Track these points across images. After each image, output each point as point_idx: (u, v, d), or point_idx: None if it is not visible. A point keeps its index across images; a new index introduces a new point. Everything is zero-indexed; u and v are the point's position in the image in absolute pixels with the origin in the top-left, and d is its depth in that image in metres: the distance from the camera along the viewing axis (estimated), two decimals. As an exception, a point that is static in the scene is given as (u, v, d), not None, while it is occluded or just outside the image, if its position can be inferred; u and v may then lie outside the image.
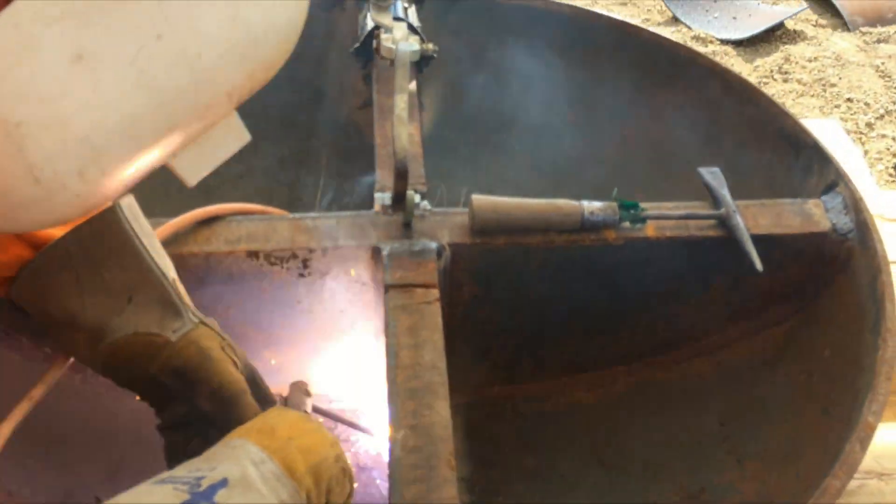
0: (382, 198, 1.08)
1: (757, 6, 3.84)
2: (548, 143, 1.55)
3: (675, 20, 3.80)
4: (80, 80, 0.56)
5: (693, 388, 1.24)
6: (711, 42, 3.63)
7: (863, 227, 1.08)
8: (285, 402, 1.02)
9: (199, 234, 1.10)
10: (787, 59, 3.49)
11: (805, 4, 3.86)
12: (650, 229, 1.12)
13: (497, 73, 1.55)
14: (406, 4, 1.43)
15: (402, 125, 1.00)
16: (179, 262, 1.06)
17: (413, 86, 1.32)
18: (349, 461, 0.84)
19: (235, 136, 0.72)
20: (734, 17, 3.79)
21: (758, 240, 1.10)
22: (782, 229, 1.12)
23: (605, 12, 1.49)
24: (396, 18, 1.30)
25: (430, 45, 1.23)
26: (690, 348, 1.26)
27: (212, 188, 1.30)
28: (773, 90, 3.35)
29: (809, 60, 3.50)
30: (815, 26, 3.75)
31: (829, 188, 1.16)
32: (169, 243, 1.08)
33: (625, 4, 3.93)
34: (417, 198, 1.08)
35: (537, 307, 1.20)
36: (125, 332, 0.88)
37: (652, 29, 3.65)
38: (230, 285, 1.12)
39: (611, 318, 1.22)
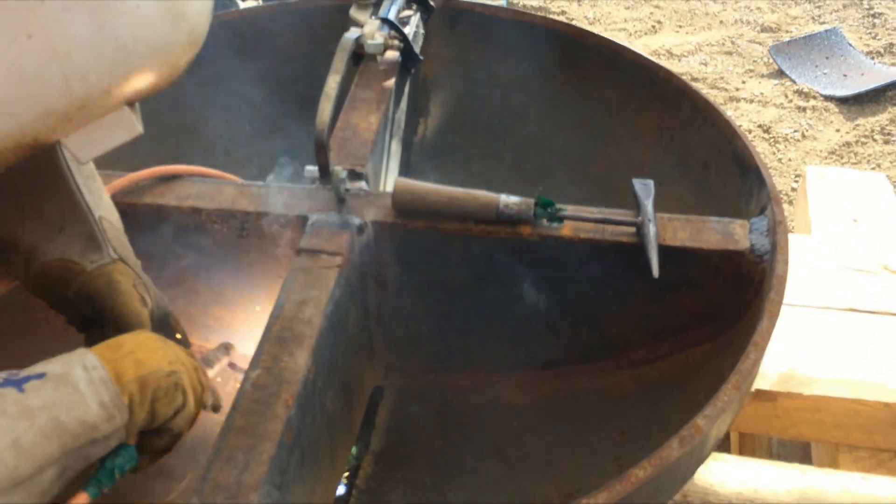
0: (312, 170, 1.17)
1: (872, 65, 3.67)
2: (537, 155, 1.59)
3: (780, 73, 3.69)
4: None
5: (612, 399, 1.23)
6: (814, 97, 3.50)
7: (773, 247, 1.06)
8: (207, 355, 1.13)
9: (156, 188, 1.23)
10: (892, 121, 3.31)
11: (926, 66, 3.65)
12: (567, 230, 1.14)
13: (494, 86, 1.61)
14: (411, 13, 1.53)
15: (326, 102, 1.09)
16: (134, 211, 1.20)
17: (391, 83, 1.40)
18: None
19: (126, 127, 0.83)
20: (844, 75, 3.64)
21: (673, 251, 1.10)
22: (698, 243, 1.11)
23: (597, 32, 1.53)
24: (383, 19, 1.39)
25: (397, 42, 1.31)
26: (617, 361, 1.25)
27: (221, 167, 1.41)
28: (869, 150, 3.19)
29: (918, 124, 3.31)
30: (934, 90, 3.54)
31: (762, 210, 1.14)
32: (129, 192, 1.22)
33: (730, 54, 3.86)
34: (344, 173, 1.15)
35: (461, 299, 1.24)
36: (51, 257, 1.02)
37: (755, 81, 3.58)
38: (180, 239, 1.23)
39: (533, 318, 1.24)
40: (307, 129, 1.63)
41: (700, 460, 0.95)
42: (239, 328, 1.32)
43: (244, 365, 1.02)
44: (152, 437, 0.87)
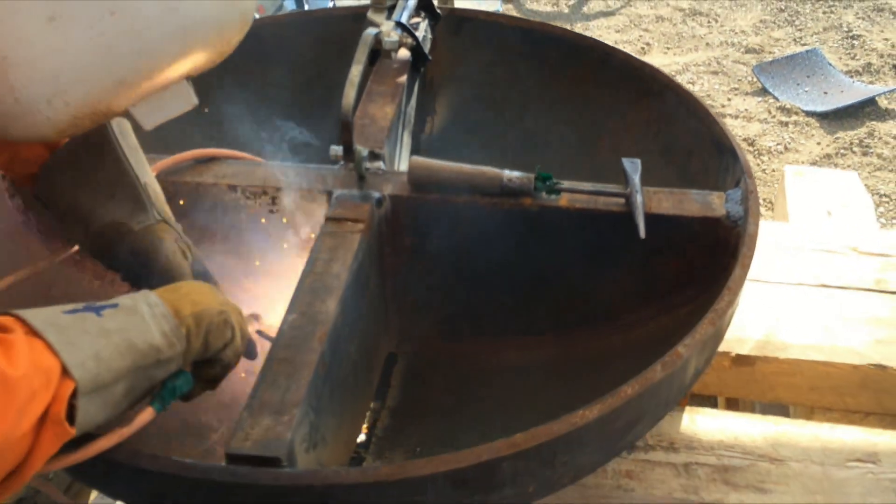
0: (337, 149, 1.31)
1: (851, 83, 3.86)
2: (534, 149, 1.73)
3: (763, 91, 3.87)
4: (52, 35, 0.84)
5: (605, 357, 1.36)
6: (796, 113, 3.68)
7: (746, 213, 1.20)
8: None
9: (196, 169, 1.37)
10: (870, 134, 3.49)
11: (902, 84, 3.84)
12: (563, 201, 1.28)
13: (495, 86, 1.75)
14: (419, 20, 1.69)
15: (350, 87, 1.24)
16: (176, 188, 1.34)
17: (403, 79, 1.55)
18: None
19: (184, 99, 0.99)
20: (825, 92, 3.82)
21: (658, 218, 1.25)
22: (680, 211, 1.25)
23: (592, 36, 1.68)
24: (396, 22, 1.54)
25: (410, 41, 1.46)
26: (609, 325, 1.39)
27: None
28: (848, 161, 3.36)
29: (895, 137, 3.48)
30: (910, 106, 3.72)
31: (737, 184, 1.29)
32: (171, 172, 1.35)
33: (716, 73, 4.04)
34: (365, 153, 1.30)
35: (470, 267, 1.38)
36: (105, 221, 1.16)
37: (739, 99, 3.75)
38: (215, 214, 1.37)
39: (533, 285, 1.38)
40: (322, 126, 1.78)
41: (681, 388, 1.08)
42: (266, 300, 1.45)
43: (272, 334, 1.14)
44: (205, 367, 1.00)
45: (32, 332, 0.81)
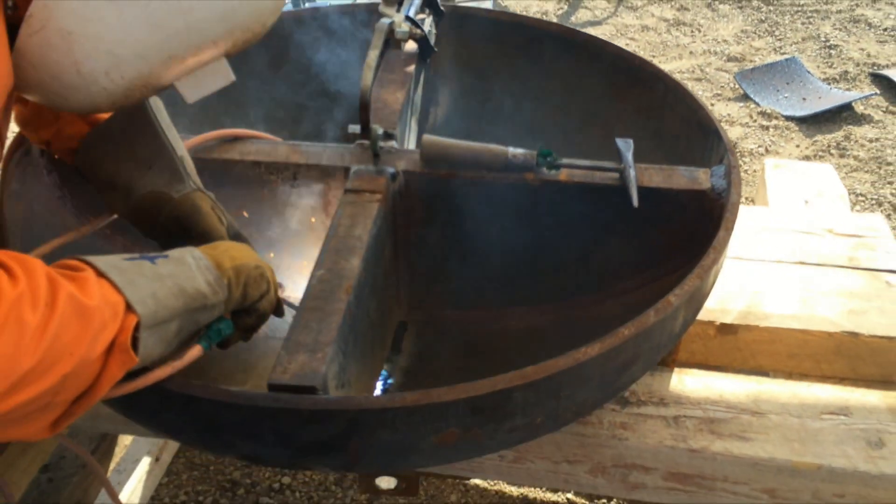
0: (354, 128, 1.42)
1: (829, 90, 4.02)
2: (532, 138, 1.84)
3: (745, 97, 4.02)
4: (111, 12, 0.94)
5: (603, 321, 1.47)
6: (776, 118, 3.83)
7: (729, 185, 1.32)
8: None
9: (222, 147, 1.48)
10: (847, 137, 3.64)
11: (877, 90, 3.99)
12: (563, 175, 1.40)
13: (494, 78, 1.88)
14: (424, 16, 1.81)
15: (368, 70, 1.35)
16: (204, 165, 1.45)
17: (411, 69, 1.67)
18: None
19: (223, 75, 1.09)
20: (804, 98, 3.98)
21: (649, 191, 1.37)
22: (669, 185, 1.38)
23: (583, 31, 1.81)
24: (406, 17, 1.66)
25: (419, 32, 1.58)
26: (605, 293, 1.50)
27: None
28: (827, 163, 3.50)
29: (870, 140, 3.64)
30: (884, 112, 3.88)
31: (721, 161, 1.41)
32: (199, 150, 1.46)
33: (700, 80, 4.19)
34: (380, 131, 1.41)
35: (476, 238, 1.49)
36: (145, 191, 1.26)
37: (722, 104, 3.90)
38: (240, 190, 1.48)
39: (535, 257, 1.49)
40: (331, 115, 1.89)
41: (672, 336, 1.19)
42: (287, 271, 1.56)
43: (294, 301, 1.23)
44: (243, 316, 1.10)
45: (99, 273, 0.92)
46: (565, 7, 4.96)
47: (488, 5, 4.17)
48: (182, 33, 0.99)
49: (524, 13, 4.65)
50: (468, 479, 1.46)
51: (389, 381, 1.44)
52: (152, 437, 1.65)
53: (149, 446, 2.12)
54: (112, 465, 2.01)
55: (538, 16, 4.94)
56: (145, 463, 2.09)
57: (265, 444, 1.02)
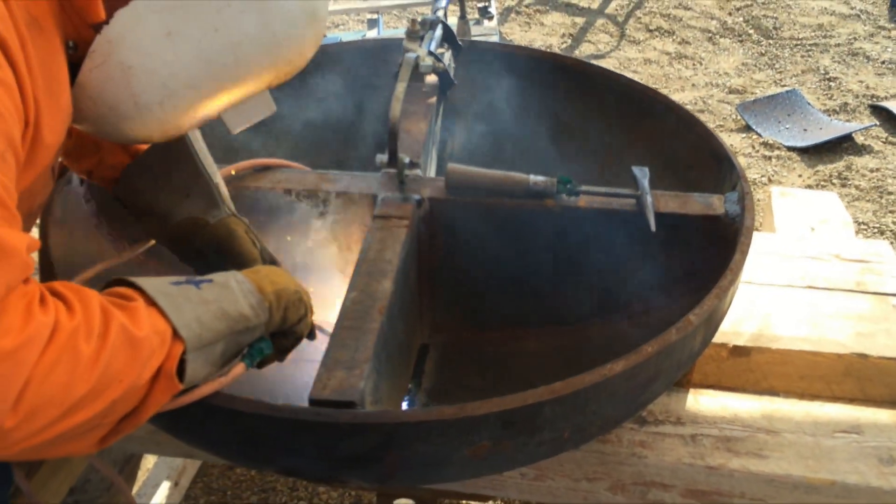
0: (382, 156, 1.48)
1: (829, 121, 4.10)
2: (546, 167, 1.90)
3: (747, 128, 4.10)
4: (167, 48, 1.00)
5: (617, 342, 1.52)
6: (778, 148, 3.91)
7: (743, 210, 1.38)
8: None
9: (254, 175, 1.54)
10: (848, 167, 3.71)
11: (876, 122, 4.08)
12: (582, 202, 1.46)
13: (510, 111, 1.94)
14: (444, 50, 1.88)
15: (396, 102, 1.42)
16: (238, 191, 1.51)
17: (433, 100, 1.74)
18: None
19: (266, 106, 1.15)
20: (805, 129, 4.06)
21: (665, 216, 1.43)
22: (685, 210, 1.44)
23: (595, 63, 1.88)
24: (428, 51, 1.73)
25: (441, 66, 1.65)
26: (620, 314, 1.56)
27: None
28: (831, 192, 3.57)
29: (871, 171, 3.71)
30: (884, 143, 3.95)
31: (734, 188, 1.47)
32: (233, 179, 1.52)
33: (702, 112, 4.27)
34: (407, 160, 1.47)
35: (496, 263, 1.55)
36: (182, 217, 1.32)
37: (724, 135, 3.98)
38: (271, 217, 1.54)
39: (554, 280, 1.55)
40: (354, 147, 1.96)
41: (692, 354, 1.24)
42: (316, 297, 1.60)
43: (324, 326, 1.28)
44: (281, 338, 1.15)
45: (148, 299, 0.95)
46: (569, 41, 5.07)
47: (495, 39, 4.28)
48: (231, 67, 1.04)
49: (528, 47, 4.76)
50: (488, 499, 1.50)
51: (414, 400, 1.48)
52: (178, 455, 1.68)
53: (168, 471, 2.15)
54: (134, 490, 2.05)
55: (543, 49, 5.05)
56: (165, 487, 2.12)
57: (304, 457, 1.07)
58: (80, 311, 0.85)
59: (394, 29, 4.85)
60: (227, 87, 1.07)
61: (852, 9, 5.27)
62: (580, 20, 5.25)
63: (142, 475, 2.14)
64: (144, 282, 0.98)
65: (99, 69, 0.99)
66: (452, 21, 3.42)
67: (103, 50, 0.98)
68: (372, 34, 3.92)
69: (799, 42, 4.95)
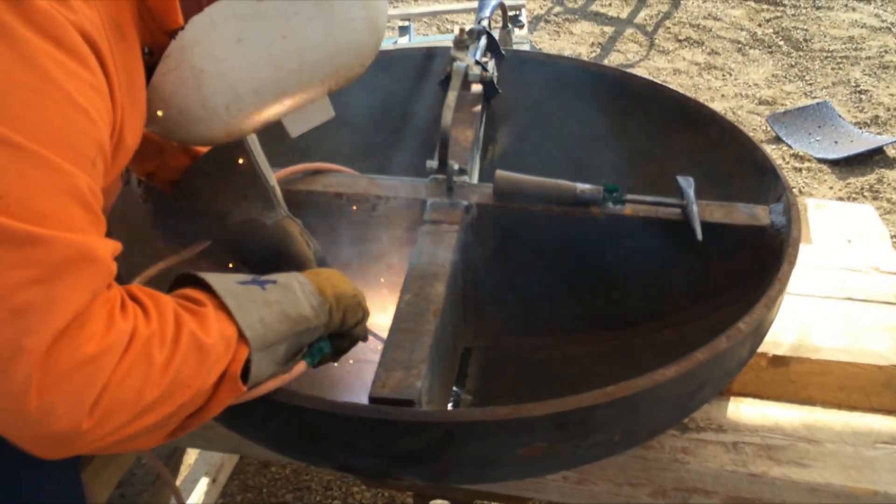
0: (432, 163, 1.51)
1: (860, 134, 4.09)
2: (586, 175, 1.93)
3: (777, 139, 4.11)
4: (237, 53, 1.04)
5: (661, 349, 1.55)
6: (809, 160, 3.91)
7: (789, 222, 1.40)
8: None
9: (307, 179, 1.58)
10: (879, 181, 3.71)
11: (908, 135, 4.07)
12: (628, 210, 1.49)
13: (551, 117, 1.97)
14: (487, 59, 1.91)
15: (448, 110, 1.45)
16: (291, 195, 1.54)
17: (478, 108, 1.77)
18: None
19: (325, 111, 1.19)
20: (836, 142, 4.05)
21: (711, 226, 1.45)
22: (730, 220, 1.46)
23: (639, 74, 1.90)
24: (476, 62, 1.77)
25: (487, 75, 1.69)
26: (662, 321, 1.57)
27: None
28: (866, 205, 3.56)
29: (903, 184, 3.70)
30: (916, 156, 3.94)
31: (779, 199, 1.49)
32: (286, 182, 1.56)
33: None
34: (456, 167, 1.50)
35: (542, 270, 1.57)
36: (240, 218, 1.35)
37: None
38: (322, 220, 1.57)
39: (598, 287, 1.57)
40: (398, 151, 1.99)
41: (739, 362, 1.26)
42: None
43: (374, 330, 1.30)
44: (338, 339, 1.17)
45: (216, 300, 0.98)
46: (598, 50, 5.09)
47: (525, 47, 4.30)
48: (295, 73, 1.08)
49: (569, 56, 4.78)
50: (527, 500, 1.52)
51: (459, 402, 1.51)
52: (224, 451, 1.72)
53: (207, 467, 2.19)
54: (177, 483, 2.09)
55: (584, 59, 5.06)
56: (203, 483, 2.16)
57: (363, 453, 1.10)
58: (156, 317, 0.89)
59: (424, 36, 4.89)
60: (290, 92, 1.10)
61: (883, 21, 5.25)
62: (609, 29, 5.27)
63: (183, 470, 2.18)
64: (213, 280, 1.01)
65: (172, 73, 1.03)
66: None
67: (177, 55, 1.02)
68: (403, 41, 3.96)
69: (829, 54, 4.94)
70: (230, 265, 1.44)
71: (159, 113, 1.08)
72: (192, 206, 1.39)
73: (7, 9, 0.79)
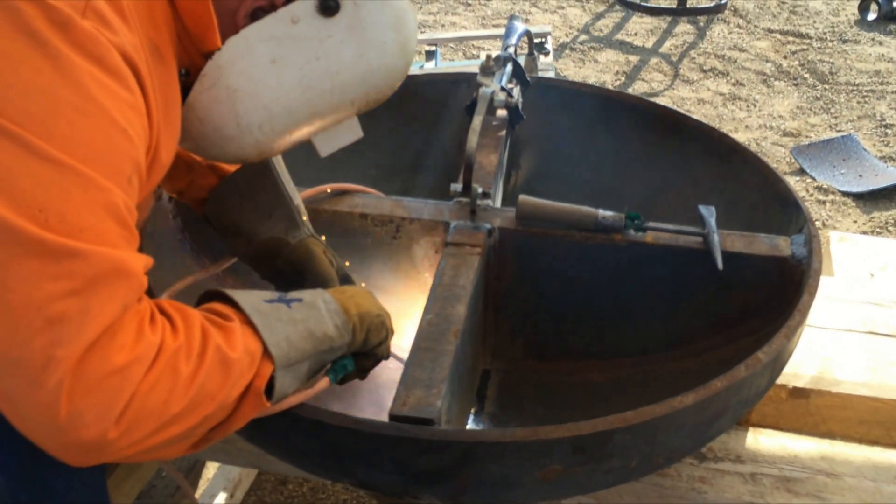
0: (456, 186, 1.54)
1: (885, 168, 4.08)
2: (608, 202, 1.95)
3: (801, 171, 4.10)
4: (271, 73, 1.07)
5: (679, 377, 1.55)
6: (833, 193, 3.89)
7: (810, 253, 1.40)
8: None
9: (331, 199, 1.61)
10: (904, 215, 3.69)
11: (934, 171, 4.04)
12: (649, 238, 1.50)
13: (574, 145, 1.99)
14: (512, 86, 1.94)
15: (473, 134, 1.48)
16: (316, 214, 1.57)
17: (502, 133, 1.80)
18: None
19: (354, 131, 1.21)
20: (860, 175, 4.04)
21: (732, 256, 1.45)
22: (751, 251, 1.46)
23: (661, 103, 1.92)
24: (501, 88, 1.79)
25: (513, 101, 1.71)
26: (682, 350, 1.58)
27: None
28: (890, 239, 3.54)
29: (928, 219, 3.68)
30: (942, 191, 3.91)
31: (800, 230, 1.50)
32: (312, 201, 1.59)
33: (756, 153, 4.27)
34: (480, 190, 1.52)
35: (562, 294, 1.59)
36: (265, 237, 1.38)
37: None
38: (345, 239, 1.60)
39: (617, 313, 1.58)
40: (423, 174, 2.02)
41: (758, 392, 1.27)
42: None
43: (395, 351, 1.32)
44: (362, 358, 1.19)
45: (243, 316, 1.00)
46: (622, 79, 5.12)
47: (550, 75, 4.34)
48: (327, 93, 1.10)
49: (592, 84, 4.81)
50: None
51: (477, 423, 1.52)
52: (244, 465, 1.74)
53: (225, 482, 2.21)
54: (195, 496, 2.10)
55: (608, 87, 5.10)
56: (221, 498, 2.18)
57: (382, 470, 1.11)
58: (183, 331, 0.91)
59: (450, 61, 4.95)
60: (321, 113, 1.13)
61: (910, 56, 5.24)
62: (634, 58, 5.29)
63: (201, 485, 2.20)
64: (241, 297, 1.03)
65: (207, 92, 1.06)
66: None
67: (213, 74, 1.05)
68: (430, 65, 4.01)
69: (855, 87, 4.93)
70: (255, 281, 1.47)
71: (195, 130, 1.11)
72: (219, 224, 1.42)
73: (53, 31, 0.83)
